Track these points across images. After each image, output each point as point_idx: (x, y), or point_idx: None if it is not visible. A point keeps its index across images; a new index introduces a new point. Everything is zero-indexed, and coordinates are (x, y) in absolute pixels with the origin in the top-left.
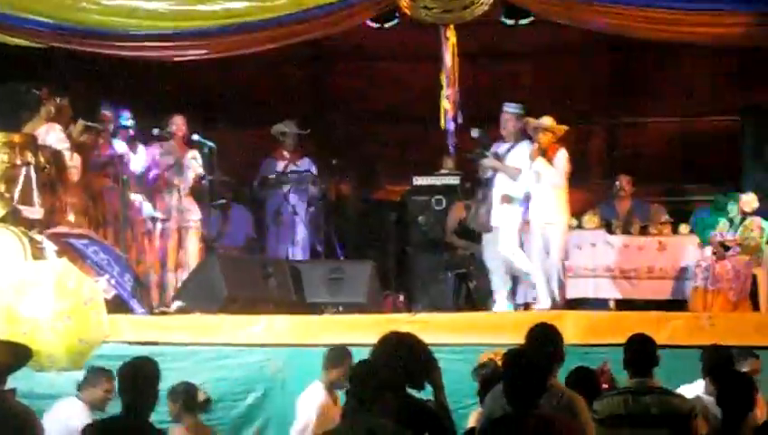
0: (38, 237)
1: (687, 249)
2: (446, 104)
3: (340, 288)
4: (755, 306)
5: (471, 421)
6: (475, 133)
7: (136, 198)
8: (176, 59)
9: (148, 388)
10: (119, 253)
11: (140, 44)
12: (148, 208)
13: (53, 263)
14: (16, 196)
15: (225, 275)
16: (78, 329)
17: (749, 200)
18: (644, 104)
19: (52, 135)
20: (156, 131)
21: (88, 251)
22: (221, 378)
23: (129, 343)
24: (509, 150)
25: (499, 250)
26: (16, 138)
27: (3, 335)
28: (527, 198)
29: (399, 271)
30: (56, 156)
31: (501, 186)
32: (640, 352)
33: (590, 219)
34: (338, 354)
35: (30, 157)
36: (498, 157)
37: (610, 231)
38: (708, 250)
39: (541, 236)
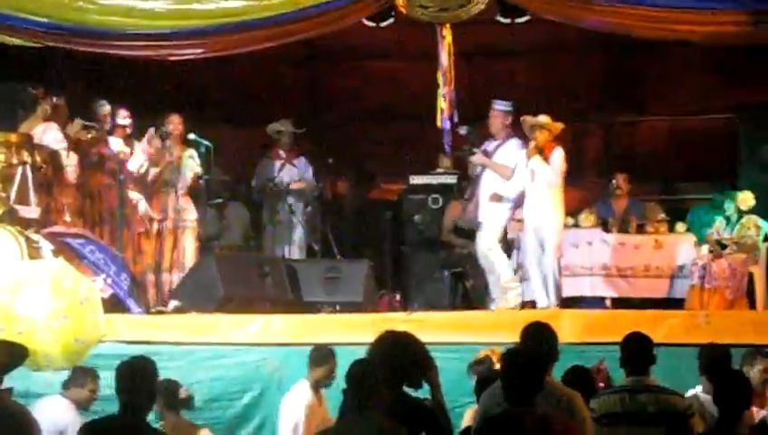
0: (34, 237)
1: (684, 248)
2: (442, 103)
3: (336, 287)
4: (752, 304)
5: (466, 419)
6: (463, 130)
7: (134, 196)
8: (172, 58)
9: (146, 387)
10: (115, 252)
11: (137, 44)
12: (143, 207)
13: (50, 262)
14: (13, 195)
15: (221, 275)
16: (74, 328)
17: (745, 198)
18: (640, 102)
19: (49, 134)
20: (152, 131)
21: (84, 250)
22: (217, 377)
23: (126, 342)
24: (497, 148)
25: (479, 246)
26: (13, 137)
27: None
28: (518, 197)
29: (396, 270)
30: (53, 155)
31: (488, 183)
32: (637, 350)
33: (587, 218)
34: (322, 354)
35: (26, 156)
36: (487, 154)
37: (607, 229)
38: (705, 248)
39: (536, 235)
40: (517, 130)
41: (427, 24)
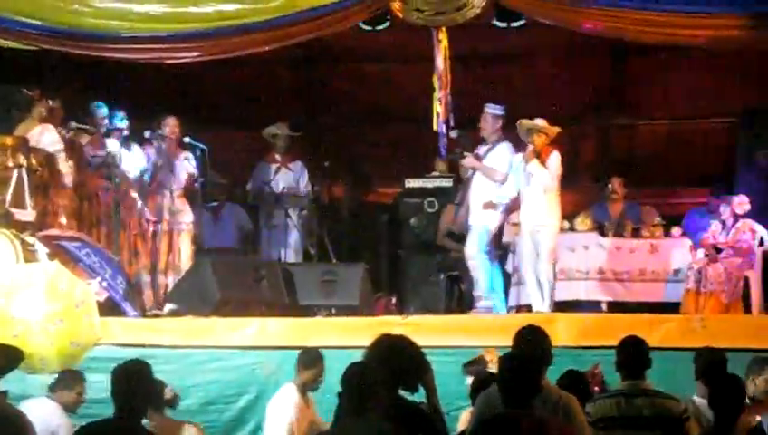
0: (30, 240)
1: (679, 252)
2: (437, 107)
3: (332, 291)
4: (747, 309)
5: (462, 423)
6: (454, 134)
7: (132, 197)
8: (168, 61)
9: (141, 391)
10: (111, 255)
11: (133, 47)
12: (139, 209)
13: (45, 265)
14: (8, 198)
15: (217, 278)
16: (70, 331)
17: (741, 202)
18: (636, 106)
19: (46, 136)
20: (148, 133)
21: (80, 253)
22: (213, 381)
23: (121, 345)
24: (488, 151)
25: (465, 250)
26: (8, 140)
27: None
28: (511, 200)
29: (392, 273)
30: (49, 158)
31: (479, 187)
32: (633, 354)
33: (583, 222)
34: (311, 357)
35: (22, 159)
36: (478, 158)
37: (603, 233)
38: (700, 252)
39: (532, 239)
40: (509, 134)
41: (423, 27)
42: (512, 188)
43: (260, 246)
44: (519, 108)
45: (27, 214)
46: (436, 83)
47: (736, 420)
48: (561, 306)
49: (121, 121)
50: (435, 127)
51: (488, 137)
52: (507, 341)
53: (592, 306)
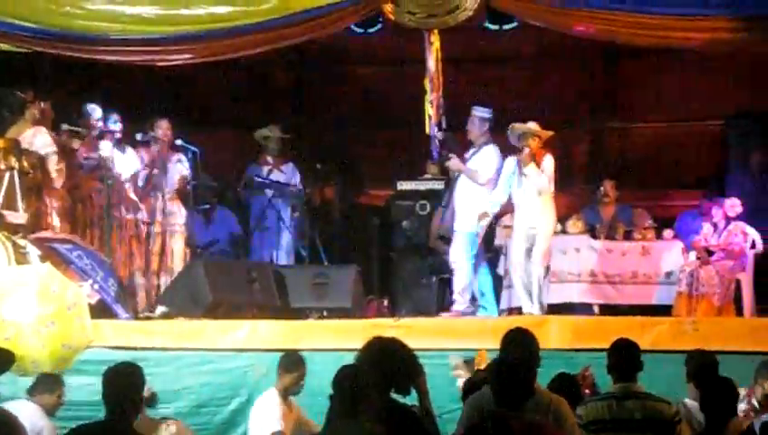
0: (22, 242)
1: (671, 254)
2: (429, 109)
3: (324, 293)
4: (739, 311)
5: None
6: (440, 135)
7: (128, 199)
8: (161, 64)
9: (133, 393)
10: (103, 257)
11: (125, 49)
12: (133, 211)
13: (37, 268)
14: (0, 200)
15: (209, 280)
16: (62, 334)
17: (733, 205)
18: (628, 109)
19: (39, 138)
20: (140, 136)
21: (72, 256)
22: (205, 383)
23: (113, 348)
24: (474, 154)
25: (450, 253)
26: (0, 142)
27: None
28: (498, 203)
29: (383, 276)
30: (41, 160)
31: (463, 189)
32: (624, 357)
33: (575, 224)
34: (291, 360)
35: (13, 161)
36: (464, 160)
37: (594, 236)
38: (692, 255)
39: (526, 242)
40: (499, 137)
41: (415, 30)
42: (501, 193)
43: (252, 248)
44: (511, 111)
45: (19, 216)
46: (427, 86)
47: (727, 422)
48: (552, 309)
49: (115, 124)
50: (427, 129)
51: (475, 140)
52: (498, 343)
53: (584, 309)
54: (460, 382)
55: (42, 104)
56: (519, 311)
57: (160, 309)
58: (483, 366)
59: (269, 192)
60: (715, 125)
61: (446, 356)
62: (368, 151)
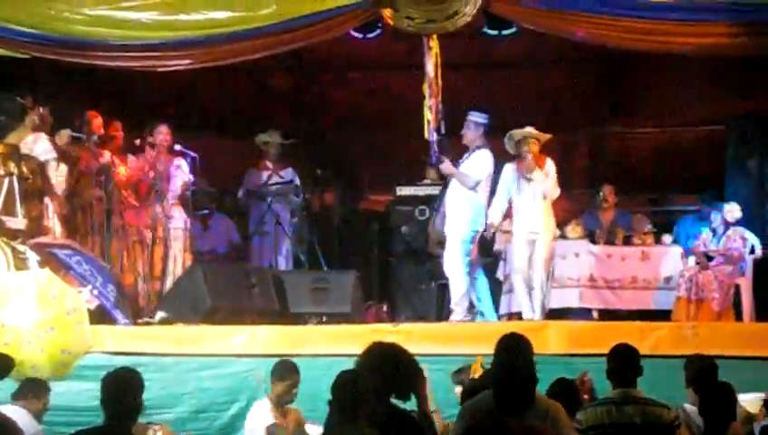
0: (21, 248)
1: (671, 259)
2: (428, 115)
3: (323, 298)
4: (738, 316)
5: None
6: (433, 138)
7: (128, 206)
8: (160, 69)
9: (131, 399)
10: (102, 263)
11: (124, 55)
12: (134, 217)
13: (36, 273)
14: None
15: (208, 286)
16: (61, 339)
17: (732, 210)
18: (627, 114)
19: (39, 144)
20: (139, 141)
21: (71, 261)
22: (204, 388)
23: (112, 353)
24: (467, 158)
25: (444, 258)
26: None
27: None
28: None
29: (383, 281)
30: (41, 166)
31: (453, 193)
32: (624, 362)
33: (574, 229)
34: (284, 368)
35: (13, 167)
36: (458, 165)
37: (594, 241)
38: (691, 260)
39: (528, 247)
40: (495, 143)
41: (414, 35)
42: (501, 199)
43: (251, 253)
44: (510, 116)
45: (18, 222)
46: (426, 91)
47: (727, 427)
48: (552, 314)
49: (117, 132)
50: (425, 135)
51: (470, 144)
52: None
53: (583, 314)
54: (458, 389)
55: (41, 110)
56: (518, 316)
57: (160, 314)
58: (478, 375)
59: (269, 198)
60: (715, 130)
61: (445, 362)
62: (367, 156)
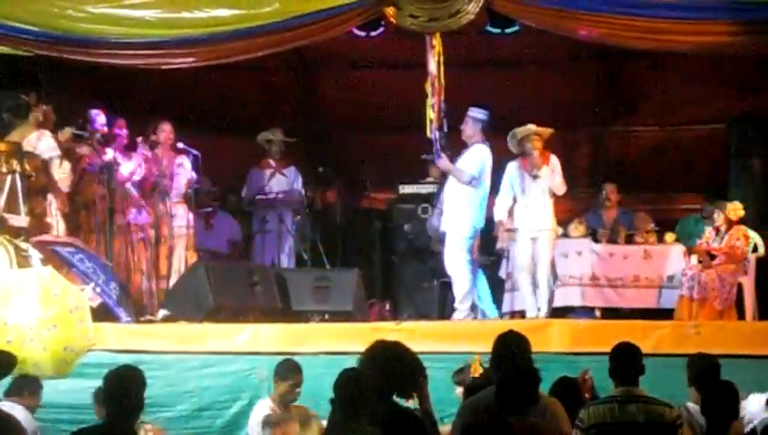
0: (23, 245)
1: (673, 258)
2: (430, 113)
3: (326, 296)
4: (741, 315)
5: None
6: (435, 136)
7: (132, 204)
8: (163, 67)
9: (134, 397)
10: (104, 261)
11: (127, 52)
12: (138, 215)
13: (39, 271)
14: (2, 204)
15: (211, 284)
16: (63, 337)
17: (735, 209)
18: (630, 113)
19: (43, 142)
20: (142, 139)
21: (73, 259)
22: (207, 386)
23: (115, 351)
24: (463, 153)
25: (445, 256)
26: (2, 146)
27: None
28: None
29: (385, 279)
30: (44, 163)
31: (450, 189)
32: (626, 360)
33: (576, 228)
34: (286, 368)
35: (15, 165)
36: (455, 161)
37: (596, 240)
38: (694, 259)
39: (531, 245)
40: (498, 141)
41: (417, 33)
42: (505, 197)
43: (253, 251)
44: (512, 114)
45: (21, 219)
46: (429, 90)
47: (729, 426)
48: (554, 312)
49: (121, 130)
50: (427, 133)
51: (468, 139)
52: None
53: (586, 312)
54: (459, 390)
55: (44, 107)
56: (521, 314)
57: (162, 312)
58: (478, 374)
59: (272, 197)
60: (717, 129)
61: (447, 360)
62: (370, 154)
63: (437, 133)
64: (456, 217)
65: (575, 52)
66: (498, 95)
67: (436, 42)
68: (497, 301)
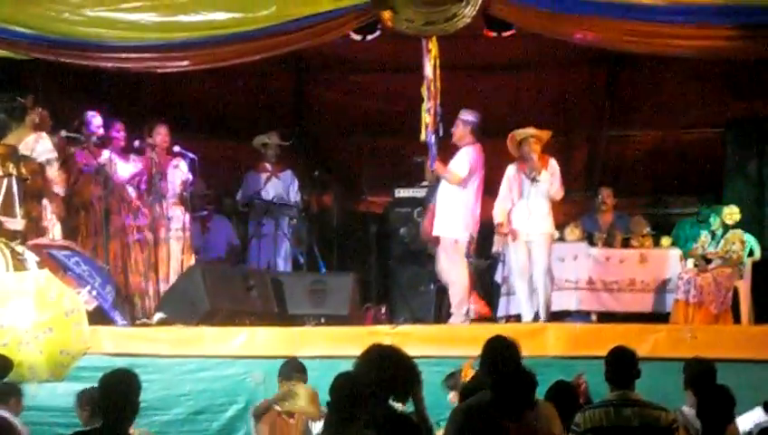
0: (19, 248)
1: (669, 262)
2: (426, 117)
3: (321, 300)
4: (737, 319)
5: None
6: (431, 141)
7: (128, 206)
8: (159, 70)
9: (129, 400)
10: (100, 264)
11: (123, 56)
12: (134, 217)
13: (35, 274)
14: None
15: (207, 287)
16: (59, 340)
17: (731, 213)
18: (627, 117)
19: (41, 144)
20: (137, 142)
21: (69, 262)
22: (203, 390)
23: (110, 354)
24: (453, 156)
25: (440, 259)
26: None
27: None
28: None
29: (381, 283)
30: (40, 166)
31: (443, 193)
32: (622, 364)
33: (572, 232)
34: (291, 368)
35: (11, 168)
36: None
37: (592, 243)
38: (690, 263)
39: (526, 248)
40: (493, 144)
41: (414, 37)
42: (504, 200)
43: (249, 255)
44: (508, 118)
45: (17, 222)
46: (425, 93)
47: (724, 430)
48: (550, 316)
49: (118, 133)
50: (423, 137)
51: (458, 142)
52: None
53: (582, 316)
54: (451, 395)
55: (41, 110)
56: (517, 318)
57: (158, 316)
58: (468, 378)
59: (268, 200)
60: (713, 133)
61: (443, 364)
62: (366, 158)
63: (433, 137)
64: (451, 220)
65: (571, 55)
66: (494, 99)
67: (433, 45)
68: (493, 305)
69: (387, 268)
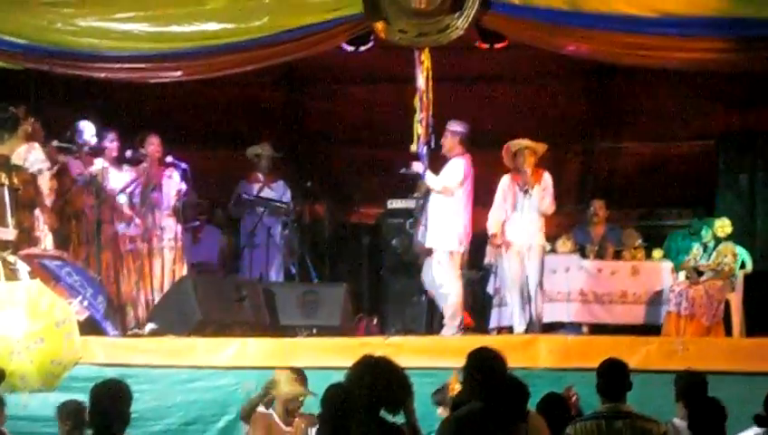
0: (11, 258)
1: (661, 274)
2: (418, 128)
3: (313, 311)
4: (728, 331)
5: None
6: (414, 148)
7: (121, 217)
8: (151, 80)
9: (120, 411)
10: (92, 274)
11: (115, 66)
12: (127, 228)
13: (26, 284)
14: None
15: (198, 298)
16: (51, 350)
17: (723, 225)
18: (619, 129)
19: (33, 154)
20: (129, 153)
21: (61, 272)
22: (194, 401)
23: (102, 365)
24: (443, 167)
25: (432, 270)
26: None
27: None
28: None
29: (373, 294)
30: (33, 176)
31: (435, 206)
32: (613, 376)
33: (564, 244)
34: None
35: (3, 178)
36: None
37: (584, 255)
38: (682, 275)
39: (521, 261)
40: (485, 156)
41: (406, 48)
42: (497, 212)
43: (241, 265)
44: (501, 130)
45: (8, 232)
46: (417, 105)
47: None
48: (542, 328)
49: (111, 142)
50: (414, 148)
51: (447, 153)
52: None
53: (573, 328)
54: (440, 410)
55: (33, 120)
56: (509, 330)
57: (149, 326)
58: (455, 392)
59: (260, 209)
60: (706, 145)
61: (435, 375)
62: (358, 169)
63: (425, 148)
64: (444, 231)
65: (564, 67)
66: (487, 110)
67: (425, 57)
68: (485, 316)
69: (379, 279)
